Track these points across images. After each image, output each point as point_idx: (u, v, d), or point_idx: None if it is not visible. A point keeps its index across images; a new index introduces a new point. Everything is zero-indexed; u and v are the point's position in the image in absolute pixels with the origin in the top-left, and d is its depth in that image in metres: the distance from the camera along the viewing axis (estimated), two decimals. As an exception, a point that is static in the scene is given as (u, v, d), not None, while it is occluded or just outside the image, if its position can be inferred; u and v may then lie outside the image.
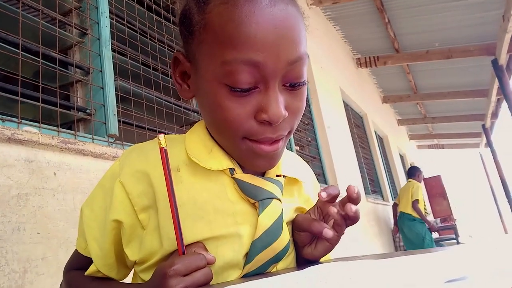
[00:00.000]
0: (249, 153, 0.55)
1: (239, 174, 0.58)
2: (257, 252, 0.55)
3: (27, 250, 1.04)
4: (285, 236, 0.57)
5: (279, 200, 0.58)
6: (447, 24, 4.87)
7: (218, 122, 0.54)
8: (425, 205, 5.16)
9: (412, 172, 5.37)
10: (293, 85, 0.53)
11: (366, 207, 4.68)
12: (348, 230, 0.58)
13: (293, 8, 0.52)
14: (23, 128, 1.14)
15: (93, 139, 1.38)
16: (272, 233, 0.56)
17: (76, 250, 0.64)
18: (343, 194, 0.57)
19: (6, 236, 1.01)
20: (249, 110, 0.51)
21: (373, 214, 4.96)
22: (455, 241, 5.66)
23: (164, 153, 0.50)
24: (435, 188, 8.53)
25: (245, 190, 0.57)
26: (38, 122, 1.21)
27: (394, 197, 6.41)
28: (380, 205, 5.42)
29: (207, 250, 0.53)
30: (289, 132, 0.56)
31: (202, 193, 0.56)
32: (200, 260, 0.48)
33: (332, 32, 5.17)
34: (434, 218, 7.19)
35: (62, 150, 1.22)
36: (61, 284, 0.68)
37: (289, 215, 0.61)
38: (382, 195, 5.92)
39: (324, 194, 0.55)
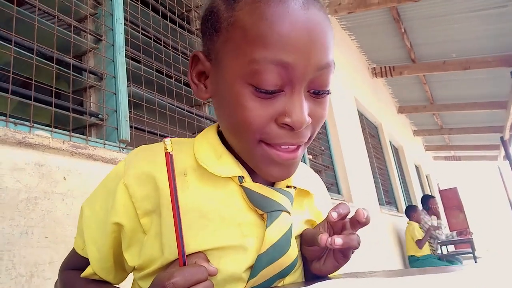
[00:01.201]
0: (264, 159, 0.52)
1: (248, 183, 0.55)
2: (262, 267, 0.53)
3: (35, 254, 1.04)
4: (293, 252, 0.55)
5: (289, 213, 0.56)
6: (465, 35, 4.81)
7: (236, 123, 0.51)
8: (427, 241, 5.03)
9: (408, 214, 5.17)
10: (317, 93, 0.52)
11: (380, 218, 4.60)
12: (361, 242, 0.56)
13: (325, 15, 0.51)
14: (35, 132, 1.14)
15: (104, 144, 1.38)
16: (280, 247, 0.53)
17: (73, 249, 0.62)
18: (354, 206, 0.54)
19: (14, 239, 1.01)
20: (271, 112, 0.49)
21: (387, 225, 4.87)
22: (471, 255, 5.51)
23: (169, 158, 0.48)
24: (452, 200, 8.38)
25: (254, 200, 0.54)
26: (51, 127, 1.21)
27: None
28: (394, 217, 5.33)
29: (208, 261, 0.51)
30: (308, 140, 0.54)
31: (209, 200, 0.54)
32: (201, 273, 0.46)
33: (347, 42, 5.15)
34: (450, 231, 7.03)
35: (72, 155, 1.22)
36: (56, 283, 0.66)
37: (298, 228, 0.58)
38: (397, 206, 5.82)
39: (334, 215, 0.52)
